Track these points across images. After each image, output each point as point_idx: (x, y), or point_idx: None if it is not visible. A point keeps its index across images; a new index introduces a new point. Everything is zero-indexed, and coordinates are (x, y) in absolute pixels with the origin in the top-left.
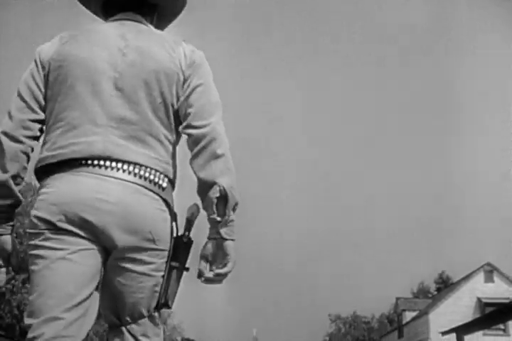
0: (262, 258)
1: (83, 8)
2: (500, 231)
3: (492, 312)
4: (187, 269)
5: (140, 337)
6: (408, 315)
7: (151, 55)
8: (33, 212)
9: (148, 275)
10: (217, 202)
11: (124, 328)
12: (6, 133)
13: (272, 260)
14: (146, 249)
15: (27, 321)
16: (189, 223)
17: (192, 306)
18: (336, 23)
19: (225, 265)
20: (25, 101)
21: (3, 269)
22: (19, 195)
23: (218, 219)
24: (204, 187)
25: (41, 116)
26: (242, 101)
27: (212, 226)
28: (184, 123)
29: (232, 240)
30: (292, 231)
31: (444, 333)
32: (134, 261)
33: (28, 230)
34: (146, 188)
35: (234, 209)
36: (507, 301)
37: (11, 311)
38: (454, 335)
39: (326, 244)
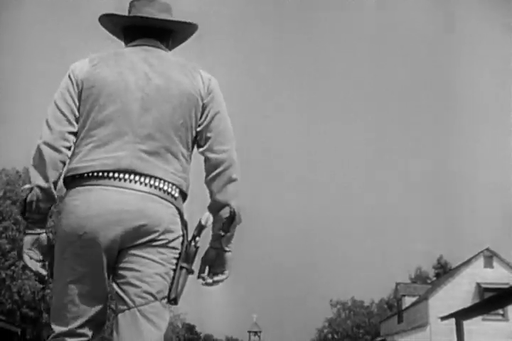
0: (262, 245)
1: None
2: (500, 217)
3: (491, 298)
4: (192, 272)
5: (151, 316)
6: (408, 301)
7: (174, 80)
8: (63, 224)
9: (160, 263)
10: (226, 220)
11: (136, 310)
12: (47, 144)
13: (273, 247)
14: (160, 242)
15: (52, 326)
16: (201, 229)
17: (193, 293)
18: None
19: (222, 272)
20: (63, 115)
21: (42, 263)
22: (57, 198)
23: (223, 234)
24: (217, 206)
25: (76, 128)
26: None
27: (216, 239)
28: (205, 147)
29: (230, 252)
30: (292, 219)
31: (443, 318)
32: (147, 249)
33: (57, 237)
34: (160, 197)
35: (236, 226)
36: (506, 286)
37: (11, 297)
38: (453, 320)
39: (326, 231)
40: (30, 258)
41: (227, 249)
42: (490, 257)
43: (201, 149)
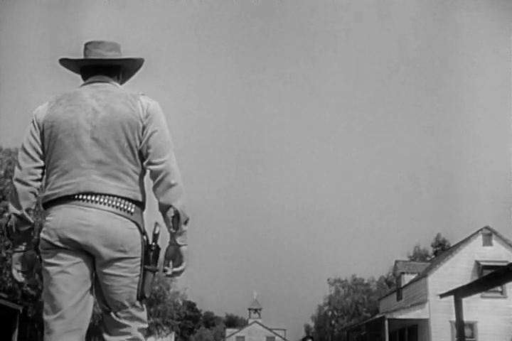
0: (264, 223)
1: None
2: (499, 195)
3: (490, 275)
4: (155, 271)
5: (123, 320)
6: (407, 278)
7: (117, 110)
8: (41, 235)
9: (124, 276)
10: (173, 219)
11: (113, 314)
12: (17, 180)
13: (274, 226)
14: (120, 258)
15: (44, 317)
16: (155, 236)
17: (194, 271)
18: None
19: (180, 264)
20: (28, 154)
21: (26, 275)
22: (32, 221)
23: (173, 231)
24: (163, 208)
25: (41, 163)
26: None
27: (171, 236)
28: (146, 161)
29: (185, 245)
30: (293, 198)
31: (442, 295)
32: (112, 267)
33: (39, 248)
34: (117, 214)
35: (186, 223)
36: (505, 264)
37: (12, 276)
38: (452, 297)
39: (327, 210)
40: (18, 271)
41: (180, 243)
42: (489, 235)
43: (144, 163)
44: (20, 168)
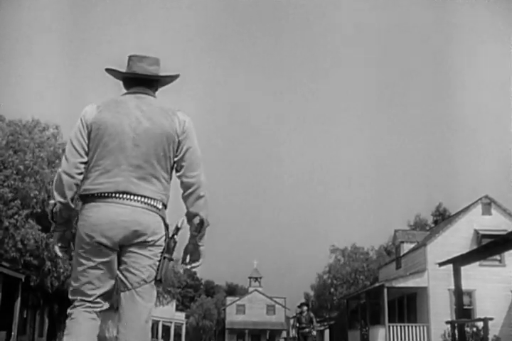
0: (265, 193)
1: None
2: (499, 165)
3: (488, 244)
4: (172, 259)
5: (143, 295)
6: (406, 247)
7: (158, 123)
8: (80, 228)
9: (149, 258)
10: (197, 225)
11: (133, 290)
12: (64, 172)
13: (275, 195)
14: (149, 243)
15: (70, 297)
16: (177, 230)
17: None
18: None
19: (197, 260)
20: (76, 149)
21: (65, 250)
22: (75, 208)
23: (195, 234)
24: (190, 215)
25: (85, 159)
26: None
27: (192, 237)
28: (180, 173)
29: (203, 246)
30: (294, 167)
31: (440, 264)
32: (142, 249)
33: (76, 239)
34: (148, 210)
35: (205, 228)
36: (504, 233)
37: (15, 245)
38: (450, 266)
39: (327, 179)
40: (59, 247)
41: (200, 244)
42: (488, 204)
43: (178, 174)
44: (67, 161)
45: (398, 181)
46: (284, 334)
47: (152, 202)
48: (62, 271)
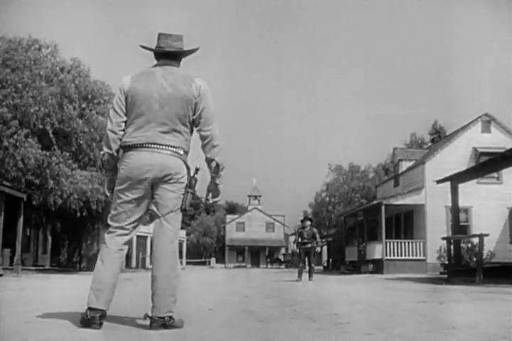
0: (263, 111)
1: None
2: (499, 80)
3: (486, 161)
4: (194, 193)
5: (170, 220)
6: (404, 165)
7: (179, 89)
8: (121, 171)
9: (174, 192)
10: (215, 168)
11: (162, 218)
12: (110, 130)
13: (273, 113)
14: (174, 180)
15: (109, 222)
16: (197, 170)
17: (193, 158)
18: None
19: (217, 196)
20: (116, 112)
21: (111, 190)
22: (118, 157)
23: (214, 175)
24: (208, 160)
25: (124, 119)
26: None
27: (212, 178)
28: (198, 127)
29: (222, 184)
30: (293, 85)
31: (438, 181)
32: (169, 184)
33: (117, 180)
34: (171, 155)
35: (222, 170)
36: (502, 150)
37: (15, 164)
38: (448, 184)
39: (326, 96)
40: (107, 188)
41: (218, 183)
42: (488, 122)
43: (196, 128)
44: (111, 121)
45: (395, 99)
46: (282, 250)
47: (175, 150)
48: (66, 188)
